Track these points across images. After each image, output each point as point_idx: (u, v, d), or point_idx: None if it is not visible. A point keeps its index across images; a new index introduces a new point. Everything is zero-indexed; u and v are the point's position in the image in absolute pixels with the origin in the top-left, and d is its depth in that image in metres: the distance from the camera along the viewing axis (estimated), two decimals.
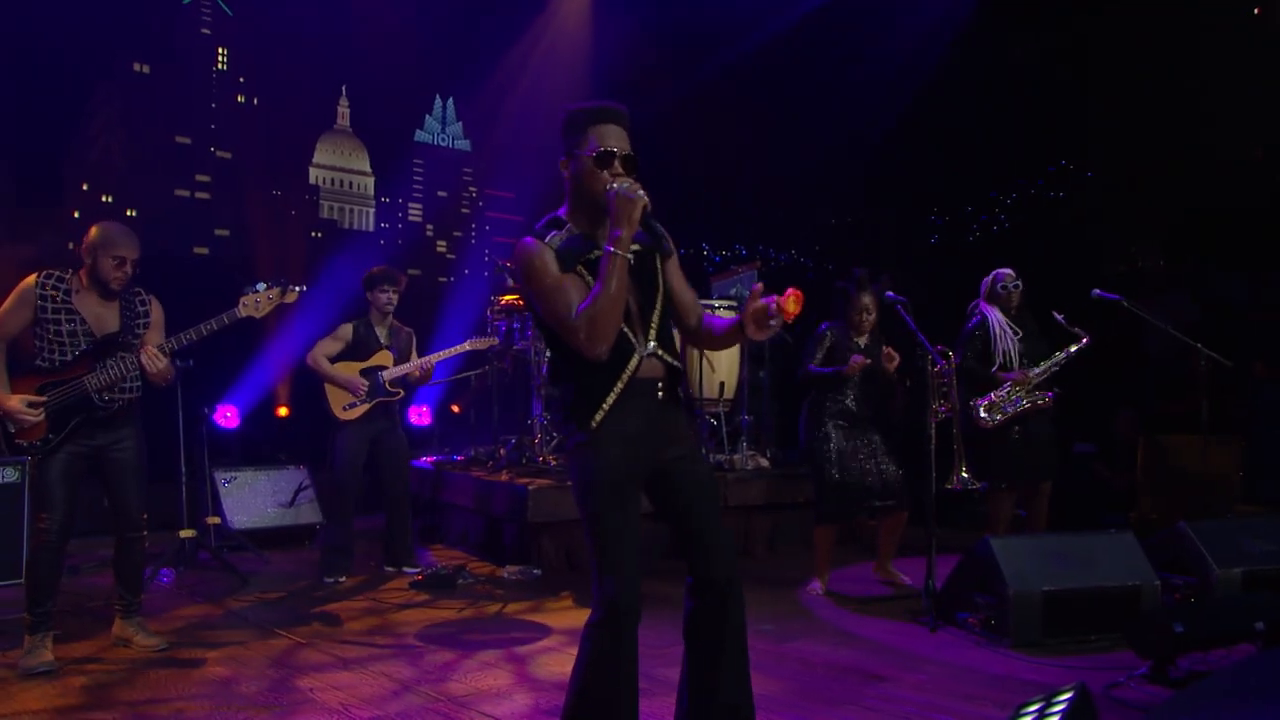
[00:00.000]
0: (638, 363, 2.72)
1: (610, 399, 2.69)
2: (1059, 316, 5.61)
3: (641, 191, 2.63)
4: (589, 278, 2.68)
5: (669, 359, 2.80)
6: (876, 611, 5.07)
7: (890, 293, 5.25)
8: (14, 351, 4.17)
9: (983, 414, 5.53)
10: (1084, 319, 5.68)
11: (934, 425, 4.95)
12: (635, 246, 2.75)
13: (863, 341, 5.48)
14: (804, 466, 5.79)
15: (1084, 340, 5.59)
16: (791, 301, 2.56)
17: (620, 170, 2.71)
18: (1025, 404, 5.54)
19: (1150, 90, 8.04)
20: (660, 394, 2.79)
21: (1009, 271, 5.75)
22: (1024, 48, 8.80)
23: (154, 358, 4.09)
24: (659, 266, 2.85)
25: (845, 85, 9.71)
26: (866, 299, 5.43)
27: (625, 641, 2.66)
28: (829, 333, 5.49)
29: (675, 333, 2.92)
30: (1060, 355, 5.60)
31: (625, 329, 2.71)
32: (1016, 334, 5.65)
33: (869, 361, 5.33)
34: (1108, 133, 8.46)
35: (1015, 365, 5.59)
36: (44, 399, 4.05)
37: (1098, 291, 5.70)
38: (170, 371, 4.18)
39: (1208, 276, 7.89)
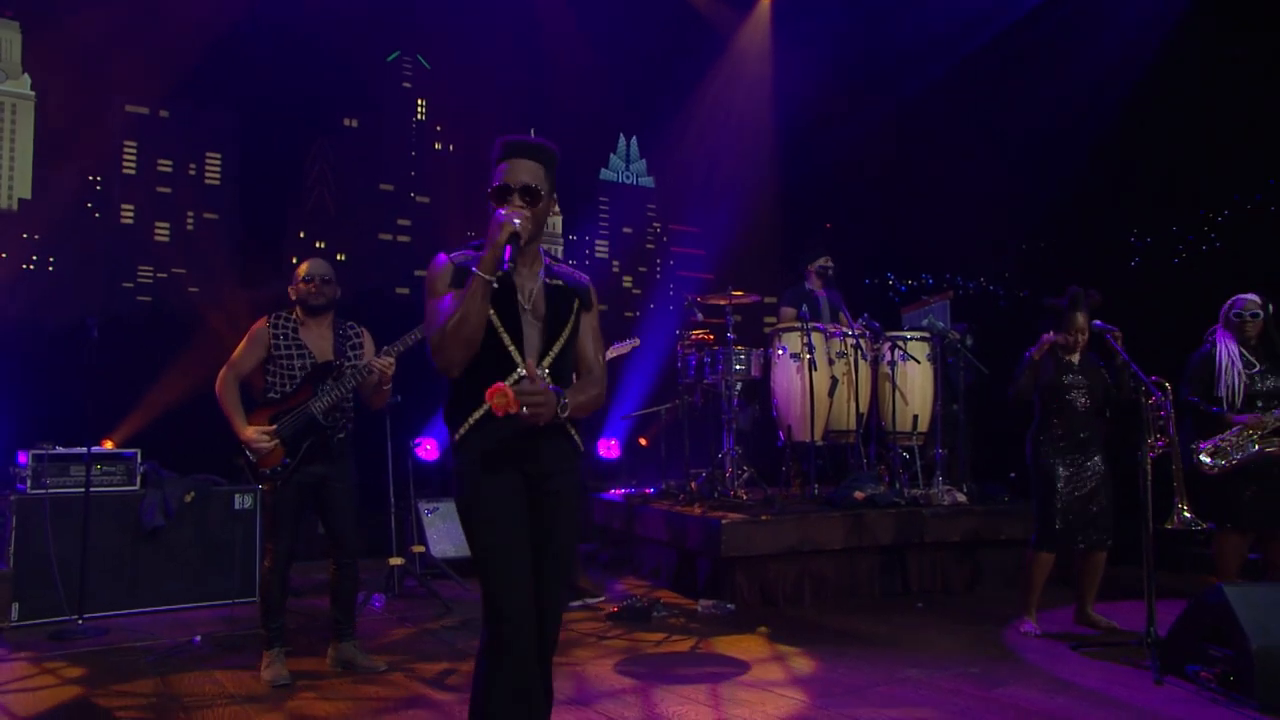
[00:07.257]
0: (514, 381, 2.63)
1: (477, 414, 2.67)
2: None
3: (519, 220, 2.62)
4: None
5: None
6: (1089, 656, 4.79)
7: (1099, 322, 5.01)
8: (242, 389, 4.52)
9: (1204, 459, 5.09)
10: None
11: (1150, 461, 4.67)
12: (558, 282, 2.82)
13: (1075, 360, 5.24)
14: (1005, 497, 5.55)
15: None
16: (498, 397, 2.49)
17: (520, 203, 2.72)
18: (1257, 448, 5.06)
19: None
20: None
21: (1252, 298, 5.29)
22: (1239, 49, 8.20)
23: (384, 365, 4.35)
24: (575, 308, 2.85)
25: (1037, 104, 9.33)
26: (1080, 318, 5.18)
27: (512, 676, 2.58)
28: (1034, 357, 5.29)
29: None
30: None
31: (513, 349, 2.70)
32: (1253, 367, 5.22)
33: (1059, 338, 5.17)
34: None
35: (1239, 401, 5.16)
36: (275, 426, 4.39)
37: None
38: (391, 374, 4.40)
39: None
